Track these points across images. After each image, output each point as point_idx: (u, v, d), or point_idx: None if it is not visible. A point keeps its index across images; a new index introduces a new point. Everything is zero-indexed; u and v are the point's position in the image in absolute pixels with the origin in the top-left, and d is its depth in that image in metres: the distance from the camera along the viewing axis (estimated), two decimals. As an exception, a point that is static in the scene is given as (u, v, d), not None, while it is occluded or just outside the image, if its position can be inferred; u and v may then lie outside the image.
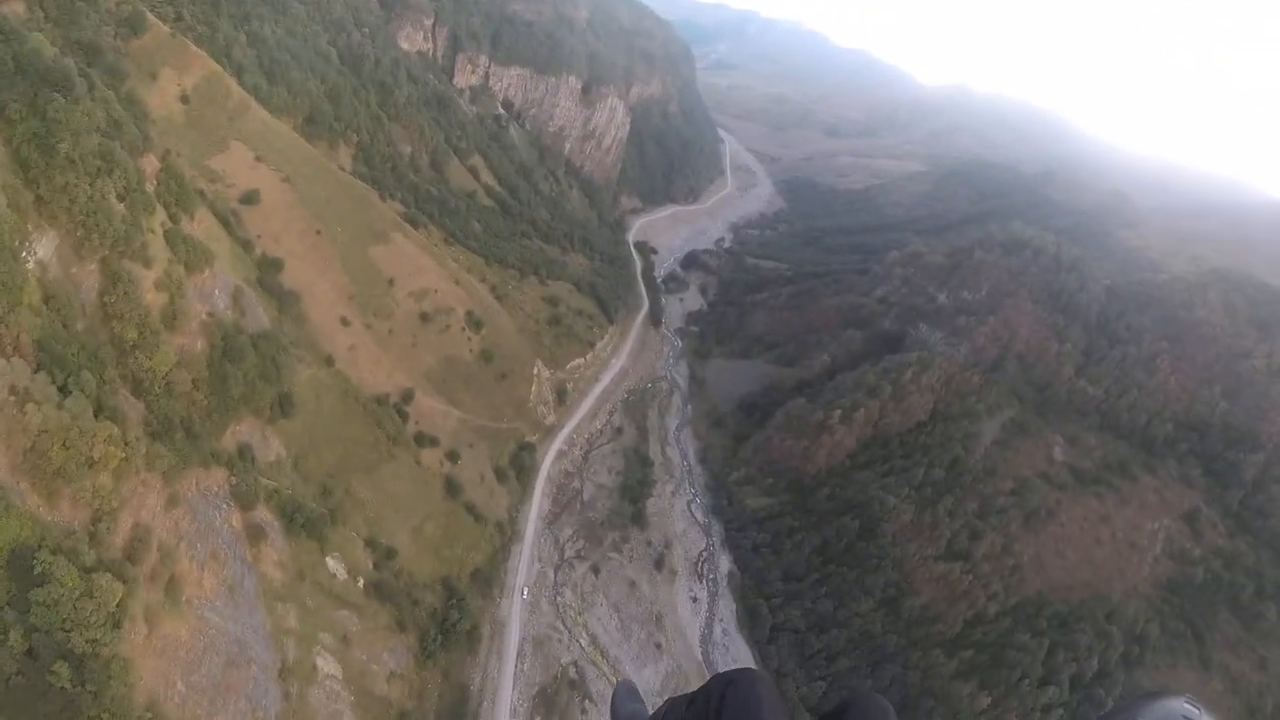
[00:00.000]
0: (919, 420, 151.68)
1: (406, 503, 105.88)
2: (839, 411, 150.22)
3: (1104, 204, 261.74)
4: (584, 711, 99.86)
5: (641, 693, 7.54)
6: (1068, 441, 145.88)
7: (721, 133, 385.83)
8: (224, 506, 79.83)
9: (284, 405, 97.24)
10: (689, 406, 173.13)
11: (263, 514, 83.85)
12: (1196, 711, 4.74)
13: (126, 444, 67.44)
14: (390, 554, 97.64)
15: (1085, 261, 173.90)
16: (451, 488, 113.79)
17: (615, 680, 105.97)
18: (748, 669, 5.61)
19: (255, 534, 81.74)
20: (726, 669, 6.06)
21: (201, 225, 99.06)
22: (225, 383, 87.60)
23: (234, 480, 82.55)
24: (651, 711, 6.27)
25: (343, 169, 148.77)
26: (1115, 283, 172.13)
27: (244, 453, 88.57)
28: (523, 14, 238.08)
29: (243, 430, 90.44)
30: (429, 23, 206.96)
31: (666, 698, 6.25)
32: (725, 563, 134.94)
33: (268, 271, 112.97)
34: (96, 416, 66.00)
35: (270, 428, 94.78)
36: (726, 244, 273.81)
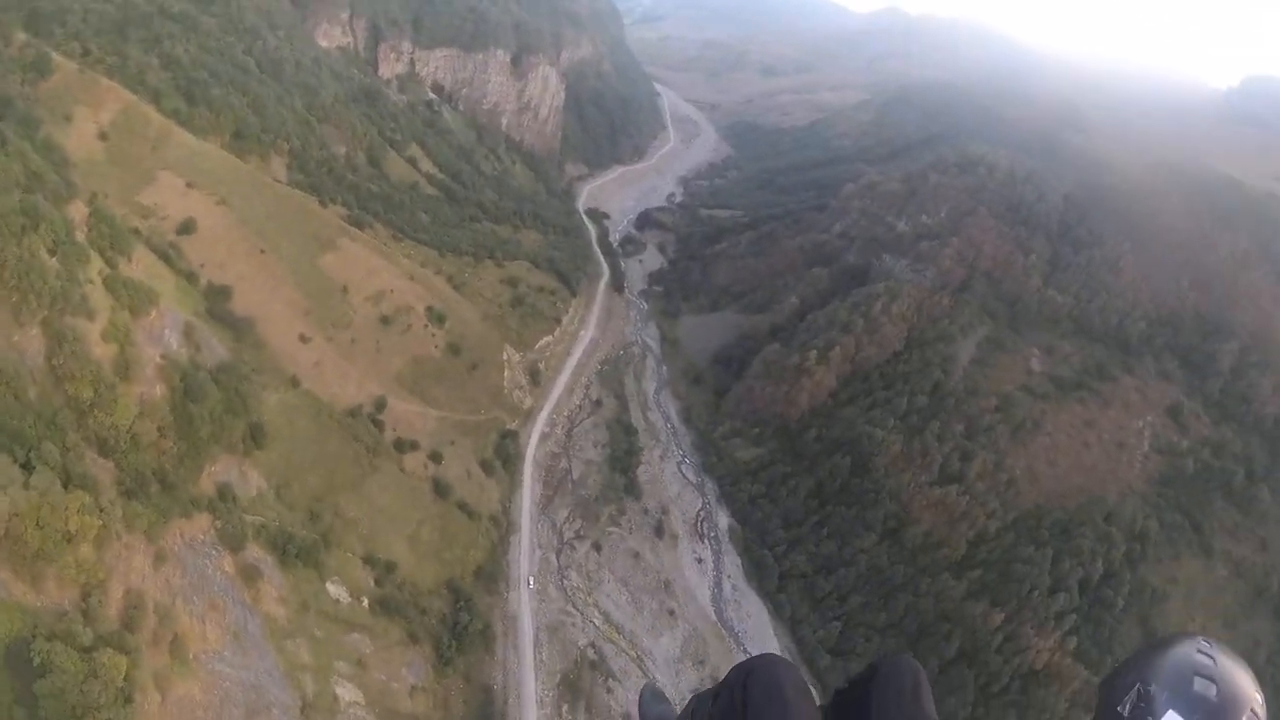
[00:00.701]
0: (895, 350, 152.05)
1: (397, 512, 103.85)
2: (815, 352, 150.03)
3: (1050, 112, 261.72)
4: (609, 690, 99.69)
5: (667, 693, 7.51)
6: (1044, 352, 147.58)
7: (658, 86, 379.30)
8: (213, 553, 77.48)
9: (256, 436, 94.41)
10: (664, 368, 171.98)
11: (254, 552, 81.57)
12: (1211, 661, 4.53)
13: (101, 510, 64.91)
14: (390, 568, 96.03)
15: (1040, 172, 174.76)
16: (440, 489, 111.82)
17: (635, 656, 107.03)
18: (765, 655, 5.77)
19: (250, 574, 79.57)
20: (747, 660, 5.76)
21: (141, 265, 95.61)
22: (192, 424, 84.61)
23: (219, 524, 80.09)
24: (679, 711, 6.36)
25: (278, 181, 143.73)
26: (1073, 189, 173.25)
27: (224, 493, 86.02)
28: None
29: (218, 470, 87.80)
30: (346, 16, 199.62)
31: (691, 694, 6.53)
32: (724, 519, 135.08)
33: (217, 300, 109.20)
34: (66, 487, 63.39)
35: (246, 462, 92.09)
36: (678, 198, 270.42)
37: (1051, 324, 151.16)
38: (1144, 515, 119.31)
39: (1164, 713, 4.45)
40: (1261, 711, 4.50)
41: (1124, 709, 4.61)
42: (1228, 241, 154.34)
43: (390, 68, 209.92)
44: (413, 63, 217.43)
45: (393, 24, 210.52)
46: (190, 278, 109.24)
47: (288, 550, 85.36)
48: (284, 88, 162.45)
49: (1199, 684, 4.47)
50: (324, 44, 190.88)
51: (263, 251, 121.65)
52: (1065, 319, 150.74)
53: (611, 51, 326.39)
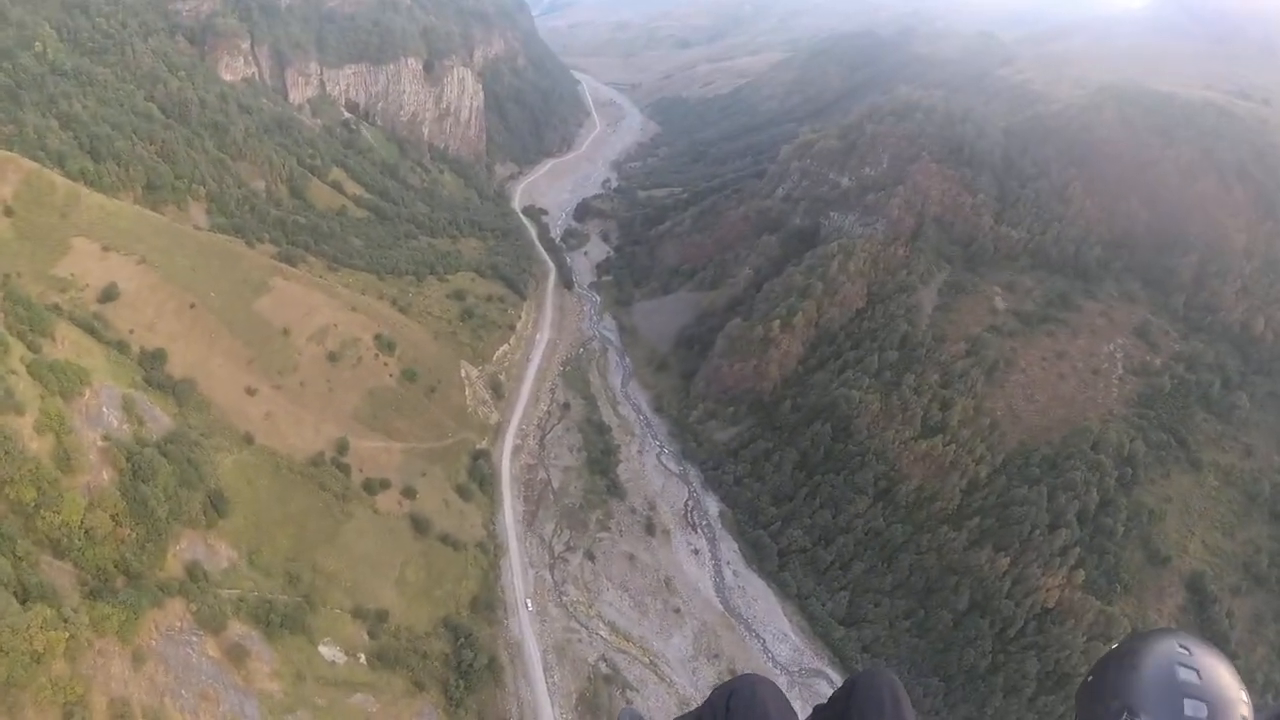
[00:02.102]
0: (858, 308, 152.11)
1: (379, 558, 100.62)
2: (777, 321, 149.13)
3: (972, 46, 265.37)
4: (629, 701, 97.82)
5: (645, 715, 7.56)
6: (1005, 289, 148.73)
7: (576, 74, 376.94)
8: (194, 639, 73.98)
9: (217, 505, 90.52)
10: (627, 359, 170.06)
11: (237, 629, 78.22)
12: (1195, 676, 4.58)
13: (66, 620, 61.75)
14: (382, 617, 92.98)
15: (977, 110, 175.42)
16: (419, 525, 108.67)
17: (648, 661, 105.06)
18: (747, 675, 5.99)
19: (237, 654, 76.18)
20: (728, 681, 5.99)
21: (66, 342, 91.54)
22: (147, 506, 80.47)
23: (194, 607, 76.67)
24: None
25: (198, 228, 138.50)
26: (1010, 123, 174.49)
27: (194, 572, 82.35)
28: (341, 9, 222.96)
29: (184, 548, 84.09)
30: (246, 46, 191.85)
31: (674, 718, 6.58)
32: (712, 504, 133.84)
33: (153, 366, 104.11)
34: (24, 603, 60.19)
35: (211, 534, 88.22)
36: (614, 184, 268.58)
37: (1009, 261, 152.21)
38: (1129, 438, 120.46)
39: None
40: (1250, 711, 4.50)
41: None
42: (1171, 155, 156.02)
43: (300, 92, 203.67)
44: (323, 84, 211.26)
45: (296, 47, 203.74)
46: (121, 347, 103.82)
47: (271, 620, 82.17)
48: (192, 130, 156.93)
49: (1190, 707, 4.43)
50: (228, 78, 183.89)
51: (193, 306, 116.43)
52: (1022, 254, 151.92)
53: (525, 46, 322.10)
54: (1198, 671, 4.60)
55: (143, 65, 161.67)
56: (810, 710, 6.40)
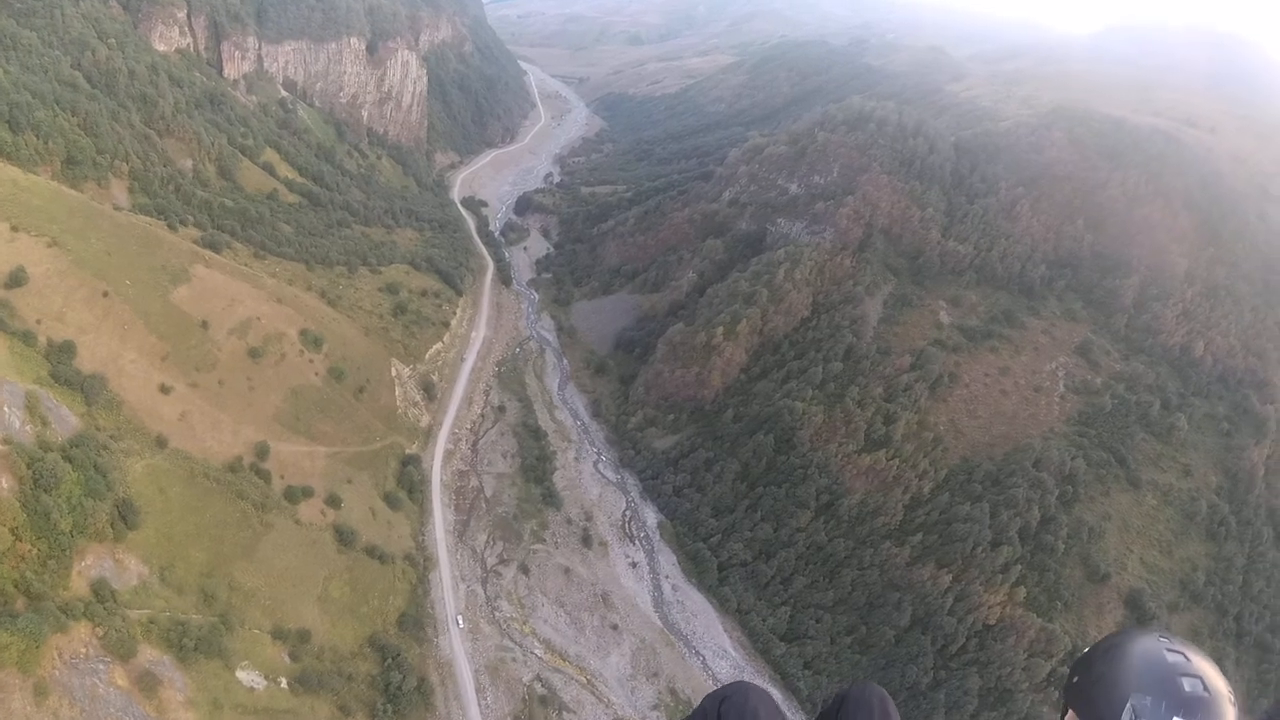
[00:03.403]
0: (803, 317, 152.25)
1: (301, 572, 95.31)
2: (721, 328, 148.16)
3: (922, 61, 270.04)
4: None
5: None
6: (950, 303, 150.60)
7: (523, 64, 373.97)
8: (101, 667, 68.80)
9: (126, 516, 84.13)
10: (564, 360, 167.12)
11: (148, 655, 73.10)
12: (1185, 659, 4.91)
13: None
14: (304, 637, 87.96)
15: (927, 123, 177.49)
16: (343, 537, 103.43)
17: (585, 681, 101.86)
18: (739, 682, 6.15)
19: (148, 683, 71.20)
20: (721, 688, 6.05)
21: None
22: (49, 518, 74.51)
23: (101, 631, 71.24)
24: None
25: (119, 208, 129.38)
26: (960, 137, 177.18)
27: (100, 591, 76.39)
28: None
29: (89, 564, 78.04)
30: (182, 15, 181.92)
31: None
32: (651, 515, 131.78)
33: (60, 360, 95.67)
34: None
35: (120, 548, 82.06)
36: (556, 178, 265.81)
37: (955, 275, 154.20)
38: (1070, 456, 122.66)
39: None
40: (1231, 692, 4.84)
41: None
42: (1118, 179, 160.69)
43: (236, 67, 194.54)
44: (260, 59, 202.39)
45: (235, 19, 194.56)
46: (26, 338, 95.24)
47: (185, 644, 77.30)
48: (118, 102, 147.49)
49: (1188, 684, 4.76)
50: (161, 48, 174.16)
51: (106, 294, 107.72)
52: (968, 269, 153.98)
53: (473, 32, 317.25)
54: (1183, 654, 4.88)
55: (72, 30, 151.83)
56: None
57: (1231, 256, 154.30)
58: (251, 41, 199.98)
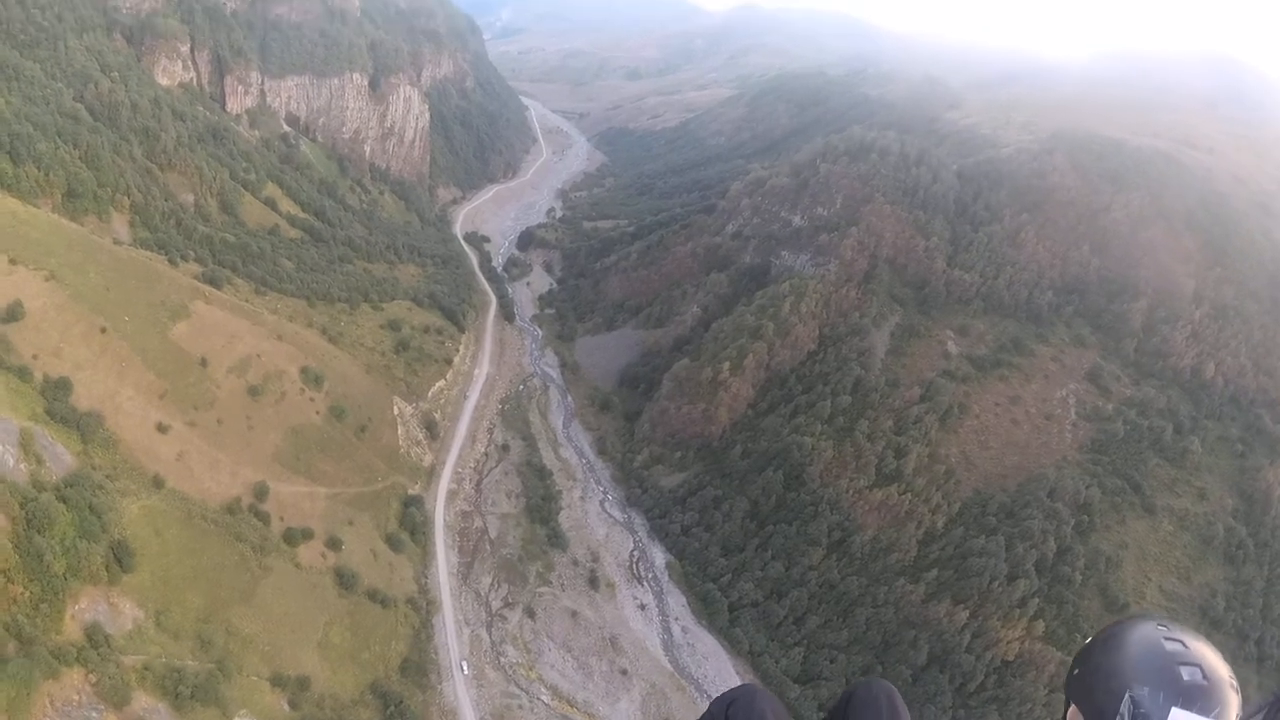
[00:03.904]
0: (809, 350, 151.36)
1: (300, 617, 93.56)
2: (727, 363, 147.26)
3: (919, 91, 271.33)
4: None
5: None
6: (958, 333, 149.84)
7: (524, 99, 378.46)
8: (94, 715, 67.27)
9: (121, 558, 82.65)
10: (569, 397, 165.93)
11: (142, 702, 71.09)
12: (1183, 646, 4.90)
13: None
14: (303, 684, 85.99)
15: (929, 151, 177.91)
16: (344, 580, 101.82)
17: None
18: (746, 685, 6.22)
19: None
20: (727, 691, 6.06)
21: None
22: (42, 560, 73.09)
23: (94, 677, 69.38)
24: None
25: (119, 242, 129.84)
26: (962, 165, 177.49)
27: (94, 635, 74.66)
28: (288, 16, 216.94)
29: (83, 608, 76.44)
30: (185, 49, 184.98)
31: None
32: (659, 555, 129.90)
33: (56, 397, 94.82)
34: None
35: (114, 591, 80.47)
36: (559, 213, 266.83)
37: (961, 304, 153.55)
38: (1085, 485, 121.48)
39: (1166, 712, 4.60)
40: (1232, 678, 4.81)
41: (1123, 719, 4.71)
42: (1121, 202, 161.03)
43: (239, 101, 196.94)
44: (263, 94, 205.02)
45: (238, 54, 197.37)
46: (22, 373, 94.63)
47: (181, 691, 75.13)
48: (121, 135, 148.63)
49: (1186, 673, 4.72)
50: (164, 82, 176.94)
51: (103, 330, 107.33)
52: (974, 298, 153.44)
53: (474, 68, 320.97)
54: (1182, 642, 4.87)
55: (75, 63, 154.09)
56: None
57: (1238, 275, 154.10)
58: (254, 76, 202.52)
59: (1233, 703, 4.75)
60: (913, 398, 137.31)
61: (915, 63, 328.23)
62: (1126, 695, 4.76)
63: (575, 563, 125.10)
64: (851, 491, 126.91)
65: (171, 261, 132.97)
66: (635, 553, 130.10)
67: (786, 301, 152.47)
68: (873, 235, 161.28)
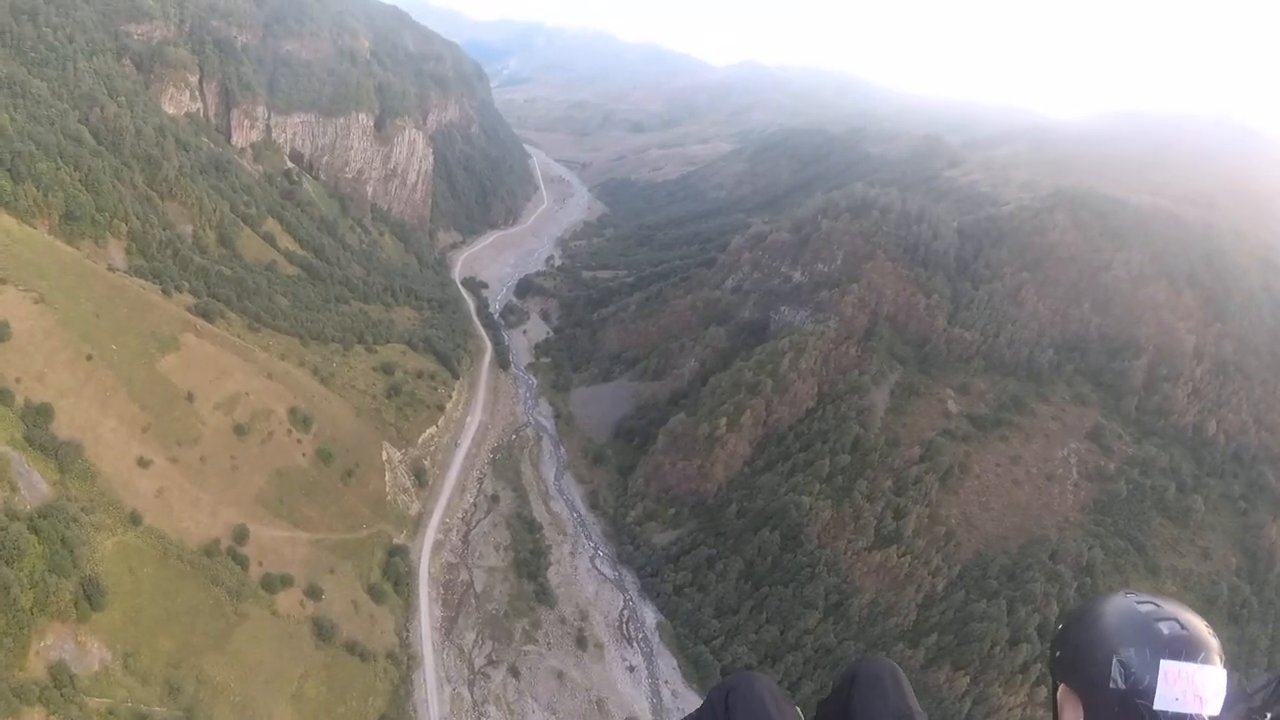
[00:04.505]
0: (808, 407, 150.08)
1: (275, 668, 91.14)
2: (724, 419, 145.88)
3: (919, 148, 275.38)
4: None
5: None
6: (958, 392, 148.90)
7: (528, 148, 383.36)
8: None
9: (92, 596, 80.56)
10: (562, 449, 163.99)
11: None
12: (1156, 606, 5.07)
13: None
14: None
15: (930, 209, 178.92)
16: (323, 631, 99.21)
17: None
18: (746, 672, 6.29)
19: None
20: (727, 679, 6.16)
21: None
22: (8, 593, 71.22)
23: (56, 719, 67.16)
24: None
25: (114, 269, 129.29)
26: (963, 222, 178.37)
27: (58, 675, 72.63)
28: (298, 53, 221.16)
29: (50, 645, 74.55)
30: (194, 79, 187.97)
31: None
32: (650, 615, 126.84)
33: (36, 423, 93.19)
34: None
35: (83, 629, 78.42)
36: (558, 261, 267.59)
37: (962, 363, 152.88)
38: (1087, 546, 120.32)
39: (1156, 666, 4.80)
40: (1209, 628, 5.00)
41: (1116, 683, 4.87)
42: (1122, 260, 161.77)
43: (244, 135, 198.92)
44: (269, 129, 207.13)
45: (246, 88, 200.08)
46: (3, 396, 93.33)
47: None
48: (122, 160, 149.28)
49: (1166, 627, 4.91)
50: (170, 110, 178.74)
51: (90, 358, 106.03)
52: (975, 356, 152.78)
53: (480, 114, 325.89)
54: (1154, 603, 5.06)
55: (83, 85, 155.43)
56: (815, 707, 6.66)
57: (1239, 331, 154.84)
58: (261, 111, 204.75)
59: (1214, 648, 4.89)
60: (912, 457, 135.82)
61: (915, 121, 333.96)
62: (1114, 659, 4.90)
63: (563, 621, 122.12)
64: (850, 553, 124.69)
65: (165, 292, 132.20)
66: (625, 612, 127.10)
67: (785, 358, 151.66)
68: (873, 292, 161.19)
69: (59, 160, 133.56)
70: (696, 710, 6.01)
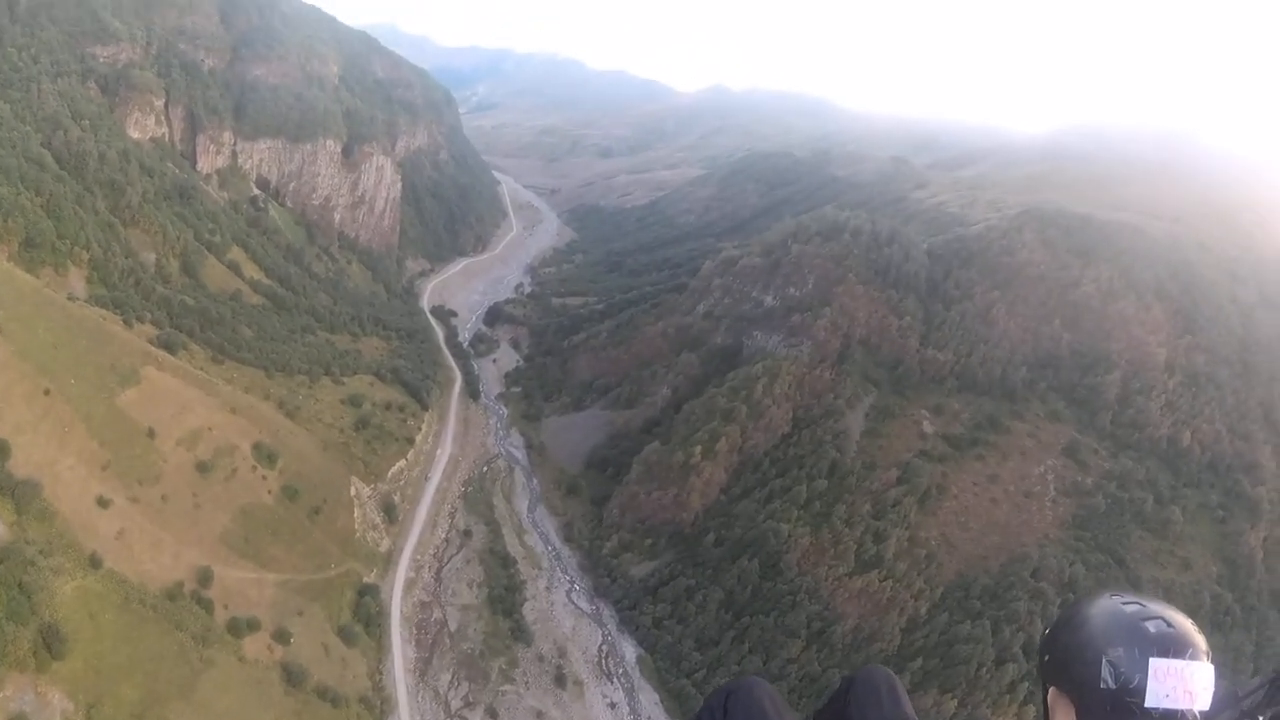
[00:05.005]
0: (783, 433, 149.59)
1: (243, 715, 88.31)
2: (699, 447, 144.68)
3: (886, 170, 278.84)
4: None
5: None
6: (933, 412, 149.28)
7: (497, 174, 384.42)
8: None
9: (51, 644, 77.37)
10: (534, 480, 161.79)
11: None
12: (1140, 606, 5.12)
13: None
14: (242, 792, 79.95)
15: (901, 231, 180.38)
16: (292, 676, 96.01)
17: None
18: (744, 677, 6.33)
19: None
20: (725, 684, 6.25)
21: None
22: None
23: None
24: None
25: (74, 298, 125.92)
26: (932, 244, 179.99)
27: None
28: (266, 78, 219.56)
29: (8, 696, 71.74)
30: (160, 103, 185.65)
31: None
32: (630, 649, 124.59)
33: None
34: None
35: (42, 679, 75.28)
36: (527, 288, 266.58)
37: (936, 383, 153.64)
38: (1069, 562, 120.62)
39: (1145, 665, 4.83)
40: (1194, 625, 5.05)
41: (1106, 683, 4.91)
42: (1090, 276, 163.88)
43: (210, 161, 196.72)
44: (235, 155, 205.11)
45: (212, 112, 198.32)
46: None
47: None
48: (85, 186, 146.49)
49: (1152, 625, 4.95)
50: (135, 135, 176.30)
51: (47, 392, 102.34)
52: (948, 376, 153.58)
53: (448, 140, 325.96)
54: (1139, 603, 5.11)
55: (46, 107, 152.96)
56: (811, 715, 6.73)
57: (1208, 342, 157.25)
58: (227, 136, 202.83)
59: (1201, 644, 4.91)
60: (890, 480, 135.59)
61: (880, 143, 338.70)
62: (1103, 659, 4.93)
63: (541, 658, 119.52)
64: (831, 579, 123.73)
65: (127, 322, 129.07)
66: (604, 647, 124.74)
67: (759, 383, 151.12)
68: (846, 315, 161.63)
69: (20, 185, 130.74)
70: (695, 715, 5.99)
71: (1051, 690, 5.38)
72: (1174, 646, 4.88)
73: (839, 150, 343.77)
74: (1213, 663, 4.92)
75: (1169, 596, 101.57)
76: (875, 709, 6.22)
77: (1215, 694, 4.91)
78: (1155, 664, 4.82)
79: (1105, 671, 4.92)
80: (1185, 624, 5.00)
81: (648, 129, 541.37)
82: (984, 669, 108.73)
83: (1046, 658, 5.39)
